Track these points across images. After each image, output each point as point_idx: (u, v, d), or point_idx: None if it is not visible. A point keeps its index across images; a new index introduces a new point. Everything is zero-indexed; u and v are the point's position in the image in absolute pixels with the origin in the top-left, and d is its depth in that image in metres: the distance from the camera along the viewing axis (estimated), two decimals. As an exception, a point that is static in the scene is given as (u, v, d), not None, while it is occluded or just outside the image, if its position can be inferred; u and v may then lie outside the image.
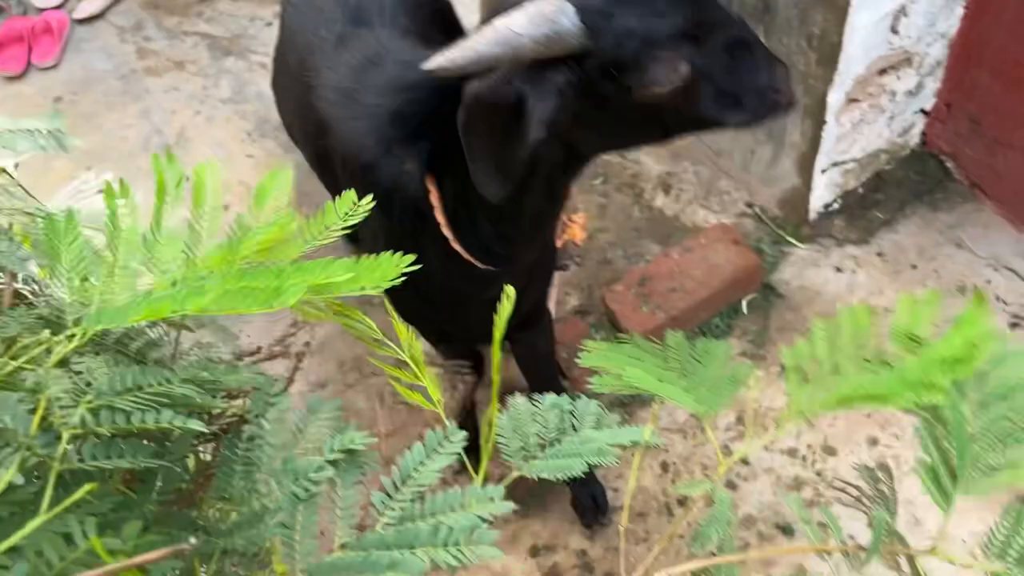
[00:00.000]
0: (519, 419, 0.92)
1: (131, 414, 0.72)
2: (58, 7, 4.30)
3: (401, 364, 0.99)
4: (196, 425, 0.74)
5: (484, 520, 0.73)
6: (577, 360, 1.11)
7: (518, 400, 0.94)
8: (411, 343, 0.94)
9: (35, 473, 0.71)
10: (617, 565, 2.41)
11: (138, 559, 0.62)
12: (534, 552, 2.47)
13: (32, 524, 0.64)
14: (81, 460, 0.70)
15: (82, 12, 4.27)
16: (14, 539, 0.62)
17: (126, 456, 0.72)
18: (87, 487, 0.67)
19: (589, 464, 0.88)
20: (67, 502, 0.66)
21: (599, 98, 1.24)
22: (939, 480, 1.01)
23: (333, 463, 0.81)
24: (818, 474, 2.50)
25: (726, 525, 0.99)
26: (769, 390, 2.65)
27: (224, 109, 3.78)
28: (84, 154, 3.69)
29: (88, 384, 0.71)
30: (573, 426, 0.92)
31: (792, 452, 2.53)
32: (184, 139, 3.68)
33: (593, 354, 1.09)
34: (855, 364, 1.03)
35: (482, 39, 1.14)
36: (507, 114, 1.19)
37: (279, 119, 3.82)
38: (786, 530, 2.39)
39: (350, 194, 0.88)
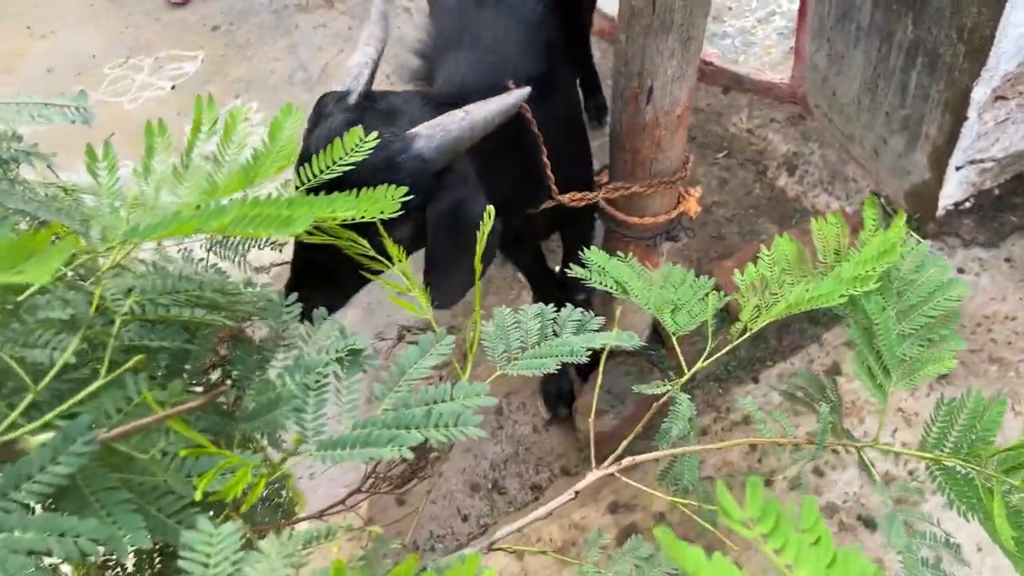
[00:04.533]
0: (503, 328, 1.06)
1: (170, 308, 0.87)
2: (223, -62, 4.52)
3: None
4: (220, 320, 0.88)
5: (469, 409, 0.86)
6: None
7: (503, 311, 1.07)
8: (400, 258, 1.06)
9: (88, 358, 0.85)
10: (691, 532, 2.48)
11: (182, 407, 0.73)
12: (613, 508, 2.55)
13: (96, 384, 0.77)
14: (131, 339, 0.85)
15: (245, -55, 4.48)
16: (82, 395, 0.75)
17: (166, 338, 0.88)
18: (138, 357, 0.80)
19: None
20: (123, 368, 0.79)
21: None
22: (874, 377, 1.15)
23: (338, 361, 0.93)
24: (910, 473, 2.47)
25: (685, 422, 1.18)
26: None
27: (366, 50, 3.93)
28: (234, 82, 3.92)
29: (134, 287, 0.86)
30: (555, 332, 1.06)
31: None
32: (326, 76, 3.85)
33: (595, 257, 1.30)
34: (796, 279, 1.23)
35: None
36: None
37: (417, 64, 3.94)
38: (868, 522, 2.39)
39: (357, 131, 0.98)
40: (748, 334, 1.20)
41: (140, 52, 4.16)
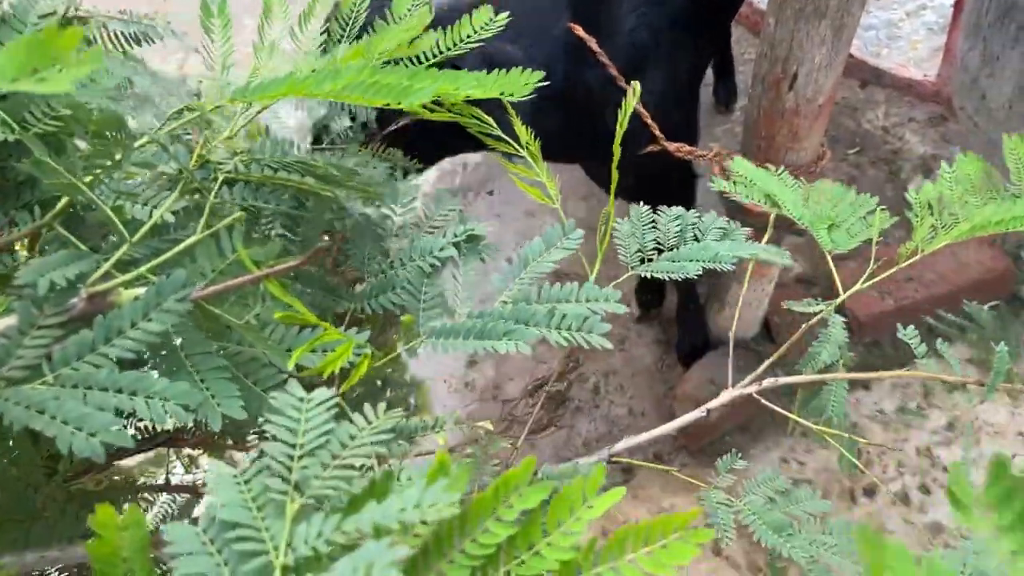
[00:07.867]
0: (638, 227, 0.95)
1: (277, 170, 0.81)
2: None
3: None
4: (329, 193, 0.82)
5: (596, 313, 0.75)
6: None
7: (640, 209, 0.97)
8: (529, 141, 0.95)
9: (192, 220, 0.80)
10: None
11: (279, 267, 0.67)
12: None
13: (191, 239, 0.72)
14: (233, 199, 0.80)
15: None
16: (176, 249, 0.71)
17: (271, 201, 0.83)
18: (237, 215, 0.74)
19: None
20: (220, 224, 0.74)
21: None
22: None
23: (456, 246, 0.86)
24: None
25: (836, 347, 1.06)
26: (993, 405, 2.44)
27: None
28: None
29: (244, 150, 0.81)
30: (696, 238, 0.94)
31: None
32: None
33: (741, 167, 1.15)
34: (979, 199, 1.06)
35: None
36: None
37: None
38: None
39: (486, 9, 0.92)
40: (918, 255, 1.06)
41: None
